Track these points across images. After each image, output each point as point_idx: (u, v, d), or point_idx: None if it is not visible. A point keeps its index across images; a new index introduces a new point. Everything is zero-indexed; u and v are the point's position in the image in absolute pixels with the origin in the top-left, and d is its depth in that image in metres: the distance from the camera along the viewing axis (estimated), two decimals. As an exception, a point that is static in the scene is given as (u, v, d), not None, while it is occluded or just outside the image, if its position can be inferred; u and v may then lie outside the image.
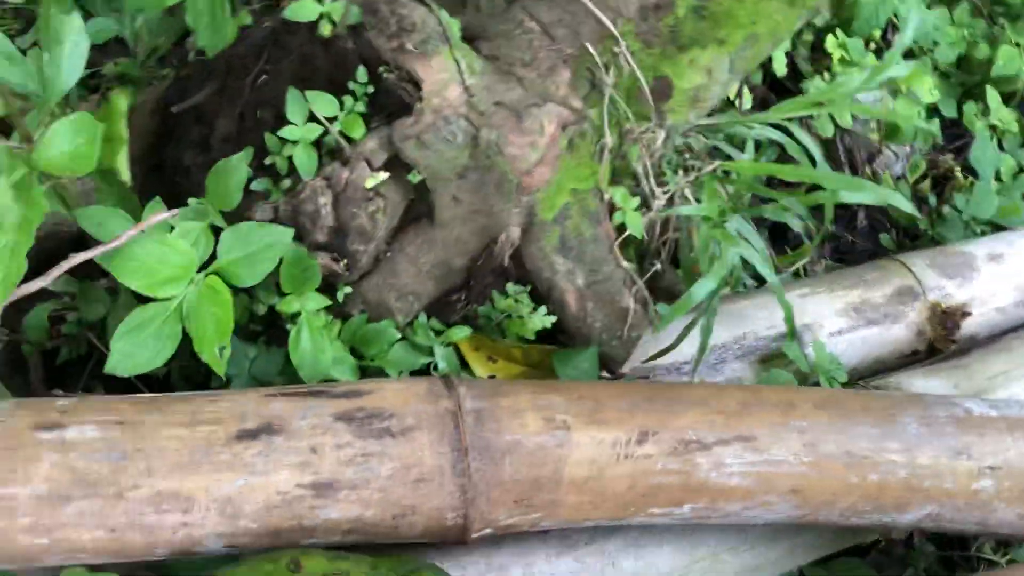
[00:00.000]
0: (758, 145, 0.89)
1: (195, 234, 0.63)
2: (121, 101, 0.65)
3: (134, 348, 0.61)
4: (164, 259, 0.60)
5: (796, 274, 1.09)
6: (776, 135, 0.84)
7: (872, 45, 1.24)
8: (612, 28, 0.68)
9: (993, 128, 1.24)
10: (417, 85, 0.65)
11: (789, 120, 0.81)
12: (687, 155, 0.81)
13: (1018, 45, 1.29)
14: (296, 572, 0.58)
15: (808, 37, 1.27)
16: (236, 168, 0.66)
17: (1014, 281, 1.03)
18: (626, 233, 0.75)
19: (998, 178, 1.18)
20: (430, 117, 0.65)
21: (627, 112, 0.70)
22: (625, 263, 0.74)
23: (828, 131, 1.18)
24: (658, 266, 0.79)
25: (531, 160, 0.67)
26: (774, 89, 1.24)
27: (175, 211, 0.65)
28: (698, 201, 0.76)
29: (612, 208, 0.74)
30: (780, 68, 1.18)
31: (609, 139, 0.69)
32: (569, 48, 0.68)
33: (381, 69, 0.66)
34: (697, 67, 0.74)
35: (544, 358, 0.77)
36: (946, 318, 0.99)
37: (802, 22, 0.82)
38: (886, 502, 0.71)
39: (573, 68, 0.67)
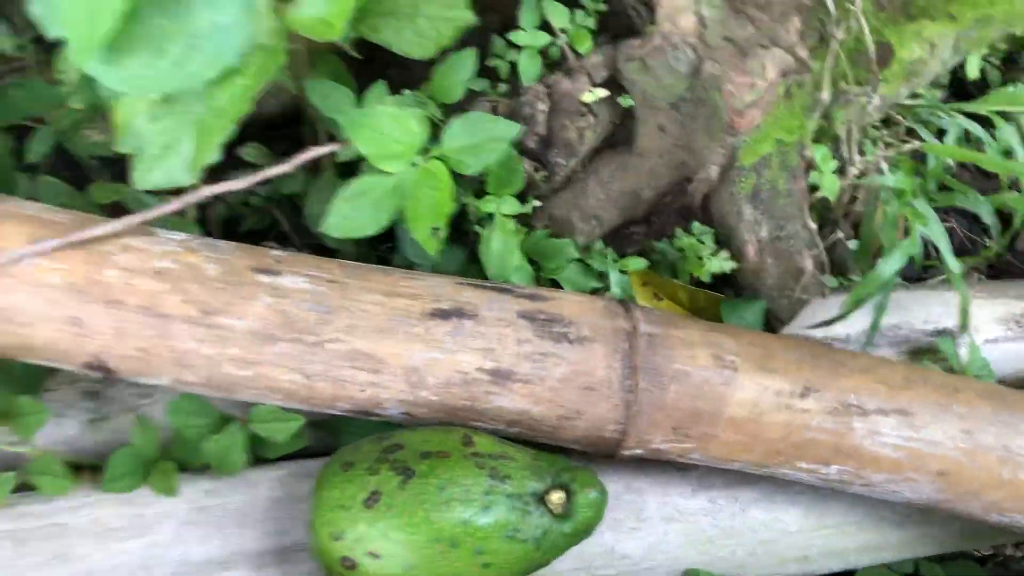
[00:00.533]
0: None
1: (417, 116, 0.66)
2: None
3: (353, 213, 0.64)
4: (394, 135, 0.64)
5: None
6: (977, 129, 0.83)
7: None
8: (850, -13, 0.69)
9: None
10: (651, 8, 0.67)
11: (996, 114, 0.80)
12: (884, 130, 0.80)
13: None
14: (467, 445, 0.62)
15: (1003, 46, 1.23)
16: (463, 64, 0.68)
17: None
18: (817, 194, 0.75)
19: None
20: (658, 41, 0.66)
21: (848, 72, 0.70)
22: (811, 224, 0.75)
23: None
24: (840, 235, 0.79)
25: (746, 101, 0.68)
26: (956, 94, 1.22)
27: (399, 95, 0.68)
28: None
29: (808, 166, 0.74)
30: (973, 70, 1.15)
31: (826, 95, 0.70)
32: (805, -1, 0.68)
33: (617, -9, 0.68)
34: (922, 39, 0.73)
35: (709, 305, 0.79)
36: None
37: (1038, 13, 0.80)
38: (1034, 503, 0.71)
39: (805, 17, 0.68)
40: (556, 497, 0.61)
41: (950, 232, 1.08)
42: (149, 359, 0.61)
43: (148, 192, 0.83)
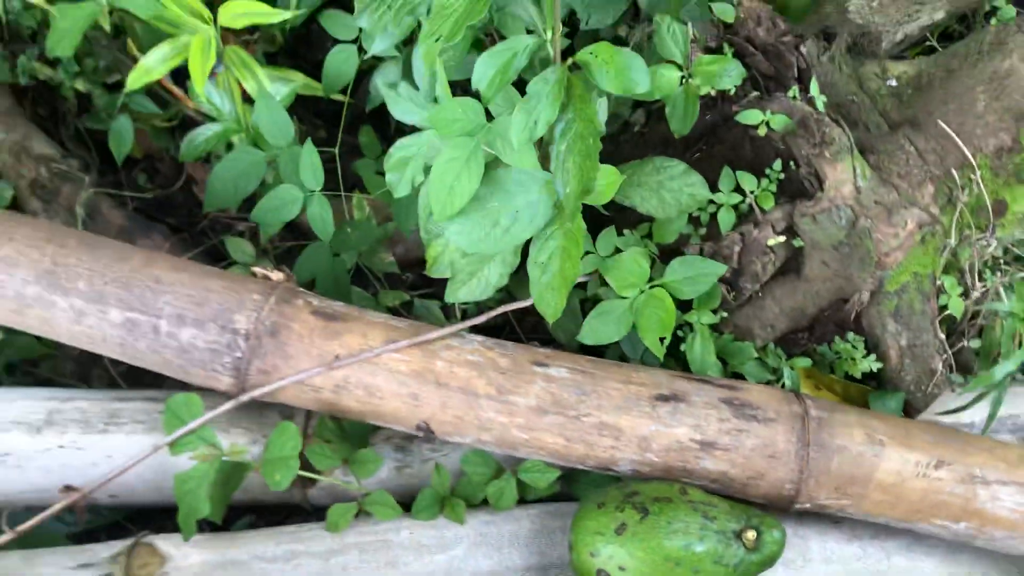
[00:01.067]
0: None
1: (644, 255, 0.92)
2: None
3: (601, 326, 0.91)
4: (631, 270, 0.90)
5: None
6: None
7: None
8: (972, 160, 0.91)
9: None
10: (819, 179, 0.91)
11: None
12: (1003, 261, 1.02)
13: None
14: (683, 494, 0.86)
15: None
16: (678, 219, 0.94)
17: None
18: (946, 312, 0.97)
19: None
20: (826, 203, 0.91)
21: (970, 222, 0.93)
22: (941, 335, 0.97)
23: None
24: (965, 343, 1.00)
25: (891, 246, 0.91)
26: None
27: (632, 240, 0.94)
28: (1008, 299, 0.97)
29: (938, 291, 0.96)
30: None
31: (953, 240, 0.92)
32: (936, 170, 0.92)
33: (794, 164, 0.93)
34: (1031, 197, 0.96)
35: (859, 396, 1.01)
36: None
37: None
38: None
39: (936, 184, 0.91)
40: (750, 534, 0.84)
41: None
42: (461, 424, 0.88)
43: (431, 300, 1.12)
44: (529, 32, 0.83)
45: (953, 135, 0.92)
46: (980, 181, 0.91)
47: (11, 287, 0.86)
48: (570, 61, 0.79)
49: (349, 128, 1.32)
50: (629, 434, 0.88)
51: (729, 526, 0.84)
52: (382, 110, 1.06)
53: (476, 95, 0.80)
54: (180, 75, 1.29)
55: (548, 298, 0.87)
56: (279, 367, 0.87)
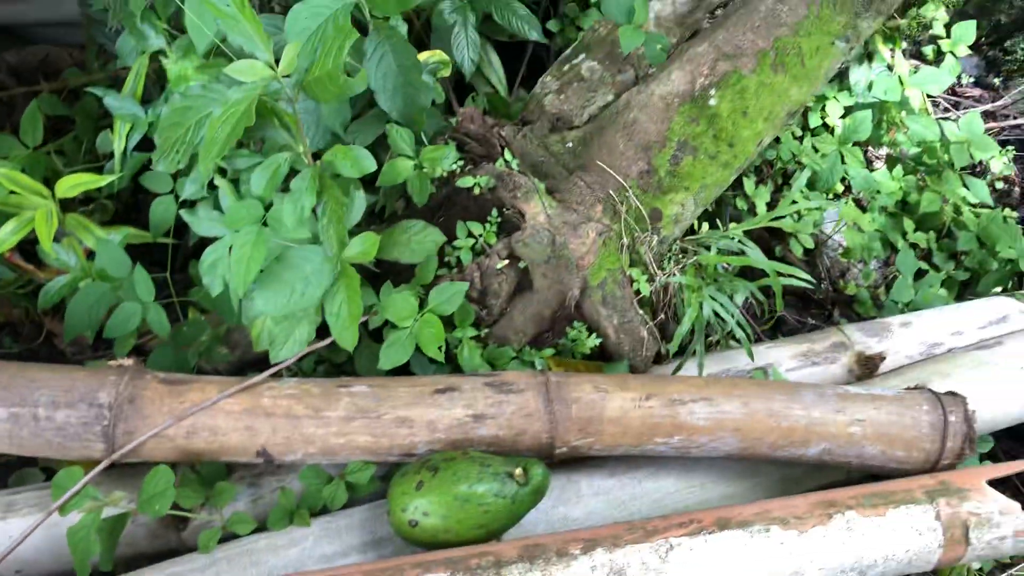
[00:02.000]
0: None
1: (413, 295, 1.24)
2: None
3: (393, 353, 1.20)
4: (405, 306, 1.21)
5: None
6: (736, 246, 1.41)
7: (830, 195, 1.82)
8: (624, 183, 1.29)
9: (913, 245, 1.79)
10: (523, 215, 1.26)
11: (748, 234, 1.38)
12: (680, 255, 1.38)
13: (937, 192, 1.84)
14: (465, 455, 1.14)
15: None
16: (432, 264, 1.27)
17: (918, 338, 1.55)
18: (641, 295, 1.32)
19: (916, 276, 1.72)
20: (530, 231, 1.25)
21: (635, 227, 1.29)
22: (640, 311, 1.31)
23: (798, 251, 1.75)
24: (662, 316, 1.35)
25: (582, 252, 1.26)
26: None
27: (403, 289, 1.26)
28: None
29: (631, 280, 1.32)
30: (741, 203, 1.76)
31: (625, 240, 1.28)
32: (600, 193, 1.29)
33: (503, 208, 1.28)
34: (675, 203, 1.34)
35: (595, 370, 1.33)
36: (868, 361, 1.50)
37: (733, 178, 1.40)
38: (795, 439, 1.22)
39: (603, 203, 1.28)
40: (519, 472, 1.13)
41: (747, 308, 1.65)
42: (290, 442, 1.15)
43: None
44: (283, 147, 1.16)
45: (608, 168, 1.29)
46: (633, 196, 1.28)
47: (-88, 407, 1.09)
48: (319, 163, 1.12)
49: (182, 267, 1.61)
50: (420, 421, 1.17)
51: (502, 469, 1.13)
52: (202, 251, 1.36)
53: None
54: (28, 255, 1.56)
55: (344, 335, 1.17)
56: (139, 427, 1.12)
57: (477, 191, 1.29)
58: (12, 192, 1.39)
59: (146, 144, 1.47)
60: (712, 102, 1.34)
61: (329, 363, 1.42)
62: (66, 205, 1.46)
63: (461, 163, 1.32)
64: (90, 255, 1.46)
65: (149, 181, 1.48)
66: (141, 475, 1.18)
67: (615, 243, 1.29)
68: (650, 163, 1.31)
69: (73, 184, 1.41)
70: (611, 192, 1.29)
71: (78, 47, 1.95)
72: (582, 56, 1.49)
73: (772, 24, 1.35)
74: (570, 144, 1.38)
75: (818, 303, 1.82)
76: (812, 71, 1.40)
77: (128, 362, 1.18)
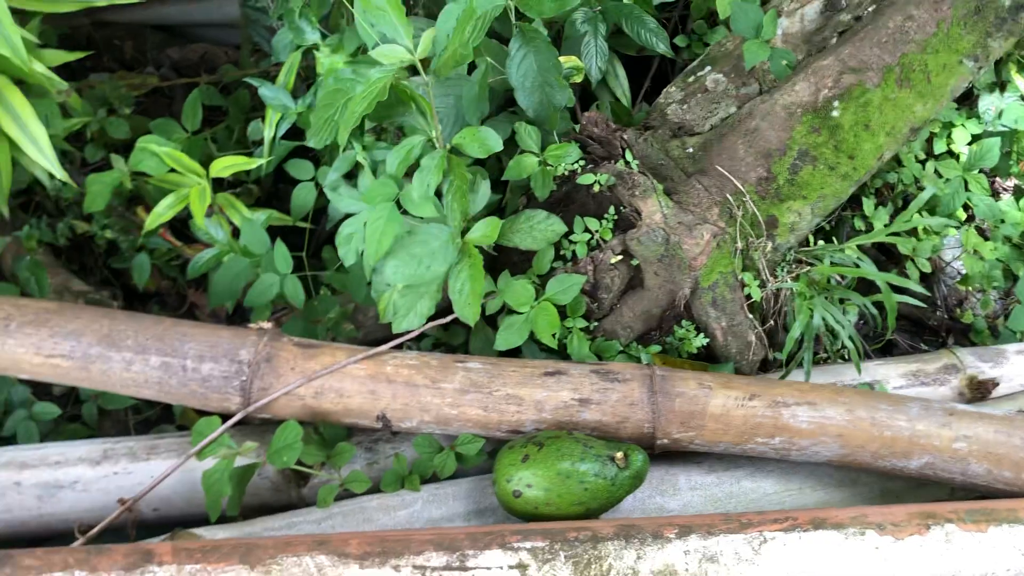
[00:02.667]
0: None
1: (530, 283, 1.31)
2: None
3: (508, 336, 1.27)
4: (524, 293, 1.28)
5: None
6: (851, 259, 1.43)
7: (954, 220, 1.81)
8: (742, 188, 1.32)
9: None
10: (639, 214, 1.32)
11: (862, 247, 1.40)
12: (794, 265, 1.41)
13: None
14: (570, 434, 1.20)
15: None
16: (549, 253, 1.34)
17: (1036, 366, 1.52)
18: (751, 300, 1.35)
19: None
20: (645, 229, 1.31)
21: (750, 232, 1.33)
22: (750, 316, 1.34)
23: (915, 275, 1.74)
24: (771, 323, 1.38)
25: (695, 252, 1.30)
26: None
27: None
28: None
29: (743, 284, 1.35)
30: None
31: (740, 245, 1.32)
32: (718, 197, 1.33)
33: (620, 207, 1.34)
34: (792, 210, 1.36)
35: (700, 369, 1.37)
36: (980, 385, 1.48)
37: (852, 191, 1.42)
38: (897, 449, 1.23)
39: (720, 207, 1.32)
40: (620, 455, 1.17)
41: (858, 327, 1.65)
42: (408, 409, 1.23)
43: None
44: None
45: (727, 173, 1.33)
46: (751, 201, 1.31)
47: (80, 350, 1.22)
48: (449, 144, 1.21)
49: (315, 253, 1.73)
50: (528, 400, 1.23)
51: (604, 452, 1.18)
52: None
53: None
54: (177, 233, 1.71)
55: (467, 311, 1.24)
56: (273, 384, 1.23)
57: (596, 188, 1.35)
58: (172, 170, 1.54)
59: (292, 134, 1.60)
60: (835, 113, 1.36)
61: (446, 346, 1.50)
62: (216, 187, 1.59)
63: (583, 162, 1.38)
64: (235, 233, 1.59)
65: (293, 168, 1.60)
66: (269, 432, 1.28)
67: (729, 246, 1.33)
68: (769, 170, 1.35)
69: (226, 165, 1.54)
70: (728, 196, 1.33)
71: (233, 47, 2.12)
72: (707, 68, 1.53)
73: (899, 40, 1.37)
74: (690, 149, 1.43)
75: (932, 330, 1.80)
76: (938, 88, 1.40)
77: (268, 325, 1.28)
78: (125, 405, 1.49)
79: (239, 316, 1.69)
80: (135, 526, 1.28)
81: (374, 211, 1.19)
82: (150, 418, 1.59)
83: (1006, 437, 1.23)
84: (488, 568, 1.05)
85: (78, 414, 1.49)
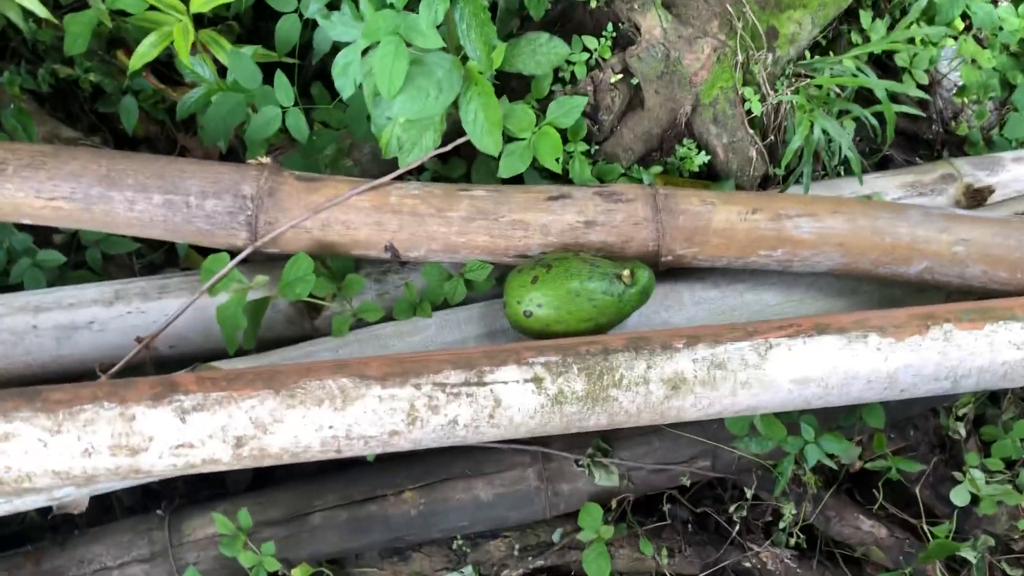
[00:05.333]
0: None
1: (530, 107, 1.29)
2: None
3: (511, 163, 1.26)
4: (524, 118, 1.26)
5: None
6: (849, 70, 1.41)
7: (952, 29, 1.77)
8: (742, -1, 1.29)
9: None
10: (638, 29, 1.28)
11: (860, 59, 1.38)
12: (794, 79, 1.39)
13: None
14: (577, 255, 1.21)
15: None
16: (547, 77, 1.31)
17: (1031, 172, 1.53)
18: (752, 115, 1.34)
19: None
20: (644, 45, 1.28)
21: (750, 44, 1.30)
22: (750, 131, 1.34)
23: (912, 88, 1.72)
24: (771, 138, 1.37)
25: (696, 67, 1.28)
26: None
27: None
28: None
29: (743, 99, 1.34)
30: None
31: (740, 58, 1.30)
32: (717, 8, 1.29)
33: (619, 23, 1.30)
34: (792, 20, 1.34)
35: (702, 187, 1.38)
36: (976, 193, 1.50)
37: (850, 1, 1.38)
38: (897, 256, 1.25)
39: (720, 19, 1.29)
40: (626, 273, 1.19)
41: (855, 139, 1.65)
42: (415, 239, 1.24)
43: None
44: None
45: (726, -17, 1.30)
46: (751, 12, 1.28)
47: (80, 192, 1.21)
48: (450, -35, 1.16)
49: (303, 91, 1.68)
50: (534, 225, 1.24)
51: (611, 270, 1.20)
52: (325, 74, 1.41)
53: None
54: (160, 76, 1.66)
55: (486, 141, 1.22)
56: (279, 218, 1.23)
57: (593, 4, 1.31)
58: (151, 7, 1.48)
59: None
60: (836, -83, 1.31)
61: (446, 179, 1.50)
62: (197, 25, 1.53)
63: (579, -22, 1.34)
64: (221, 72, 1.54)
65: (275, 0, 1.54)
66: (277, 267, 1.29)
67: (729, 60, 1.31)
68: (770, -22, 1.31)
69: None
70: (728, 7, 1.29)
71: None
72: None
73: None
74: (688, -38, 1.38)
75: (927, 143, 1.80)
76: None
77: (267, 160, 1.27)
78: (129, 249, 1.49)
79: (232, 159, 1.66)
80: (154, 363, 1.30)
81: (381, 48, 1.15)
82: (154, 261, 1.60)
83: (1003, 239, 1.25)
84: (505, 382, 1.09)
85: (82, 260, 1.49)
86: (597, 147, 1.36)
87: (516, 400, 1.09)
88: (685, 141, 1.35)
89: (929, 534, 1.36)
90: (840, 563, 1.45)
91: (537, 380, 1.09)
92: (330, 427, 1.06)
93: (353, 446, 1.09)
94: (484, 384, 1.08)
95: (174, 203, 1.21)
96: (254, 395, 1.05)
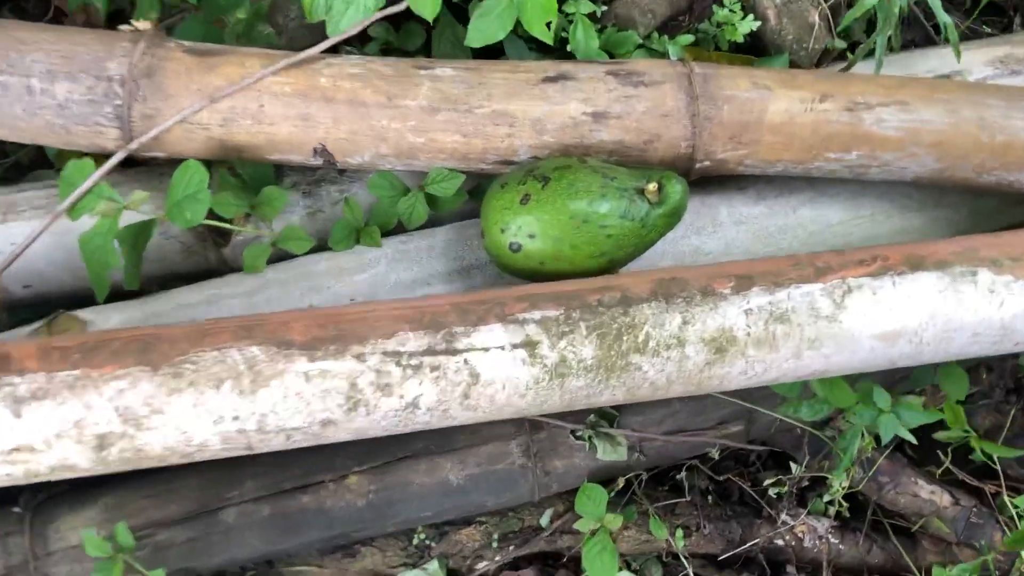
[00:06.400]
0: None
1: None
2: None
3: (485, 26, 0.90)
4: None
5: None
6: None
7: None
8: None
9: None
10: None
11: None
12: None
13: None
14: (583, 162, 0.87)
15: None
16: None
17: None
18: (815, -35, 0.98)
19: None
20: None
21: None
22: (813, -13, 0.98)
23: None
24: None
25: None
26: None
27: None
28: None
29: (806, -56, 0.98)
30: None
31: None
32: None
33: None
34: None
35: (745, 64, 1.03)
36: (1085, 71, 1.17)
37: None
38: (1011, 159, 0.93)
39: None
40: (652, 187, 0.86)
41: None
42: (356, 139, 0.88)
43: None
44: None
45: None
46: None
47: None
48: None
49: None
50: (523, 118, 0.89)
51: (630, 183, 0.86)
52: None
53: None
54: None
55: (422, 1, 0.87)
56: (161, 109, 0.86)
57: None
58: None
59: None
60: None
61: (399, 51, 1.13)
62: None
63: None
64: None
65: None
66: (168, 177, 0.93)
67: None
68: None
69: None
70: None
71: None
72: None
73: None
74: None
75: (998, 8, 1.44)
76: None
77: (145, 25, 0.90)
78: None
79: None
80: (4, 308, 0.96)
81: None
82: (20, 161, 1.22)
83: None
84: (485, 349, 0.77)
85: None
86: (605, 8, 1.00)
87: (500, 373, 0.77)
88: (726, 1, 0.99)
89: (1011, 506, 1.09)
90: (890, 535, 1.18)
91: (530, 345, 0.77)
92: (235, 418, 0.74)
93: (269, 441, 0.77)
94: (455, 352, 0.76)
95: (9, 87, 0.85)
96: (122, 374, 0.72)
